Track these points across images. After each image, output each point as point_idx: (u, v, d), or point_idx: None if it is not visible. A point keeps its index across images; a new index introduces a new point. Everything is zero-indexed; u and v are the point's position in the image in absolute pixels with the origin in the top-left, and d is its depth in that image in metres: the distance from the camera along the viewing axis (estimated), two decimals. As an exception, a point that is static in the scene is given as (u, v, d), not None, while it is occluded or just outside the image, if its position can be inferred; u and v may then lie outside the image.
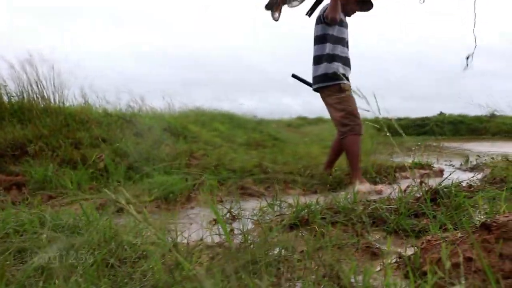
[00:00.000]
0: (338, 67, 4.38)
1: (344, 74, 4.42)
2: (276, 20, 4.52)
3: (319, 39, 4.48)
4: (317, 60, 4.48)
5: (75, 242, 1.53)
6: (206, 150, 5.97)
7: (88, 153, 4.76)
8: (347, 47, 4.58)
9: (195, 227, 2.57)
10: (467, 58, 3.13)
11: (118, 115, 6.49)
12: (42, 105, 5.84)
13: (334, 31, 4.44)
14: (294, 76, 4.86)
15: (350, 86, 4.46)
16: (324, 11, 4.38)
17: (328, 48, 4.41)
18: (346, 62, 4.51)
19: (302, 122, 18.56)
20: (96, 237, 1.77)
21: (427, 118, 27.10)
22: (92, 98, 6.91)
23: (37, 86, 5.87)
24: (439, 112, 27.86)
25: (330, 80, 4.37)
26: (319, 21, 4.48)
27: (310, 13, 4.54)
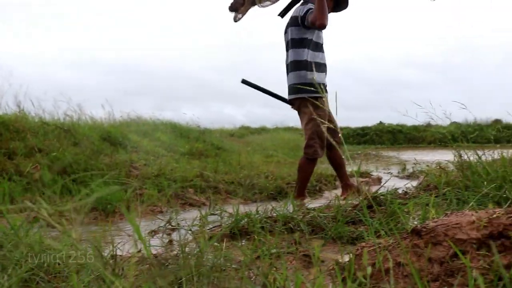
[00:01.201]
0: (318, 77, 4.19)
1: (323, 84, 4.24)
2: (236, 21, 4.36)
3: (296, 43, 4.20)
4: (294, 66, 4.20)
5: None
6: (147, 160, 5.87)
7: (23, 164, 4.57)
8: (323, 51, 4.35)
9: (133, 238, 2.51)
10: None
11: (56, 124, 6.27)
12: (-27, 114, 5.56)
13: (313, 35, 4.20)
14: (244, 82, 4.51)
15: (326, 97, 4.26)
16: (304, 13, 4.08)
17: (307, 54, 4.17)
18: (324, 69, 4.32)
19: (245, 132, 18.67)
20: (25, 252, 1.69)
21: (367, 128, 27.85)
22: (28, 106, 6.64)
23: (-32, 94, 5.58)
24: (378, 122, 28.71)
25: (308, 92, 4.05)
26: (295, 23, 4.20)
27: (283, 14, 4.36)
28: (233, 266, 1.76)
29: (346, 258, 1.87)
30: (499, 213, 1.48)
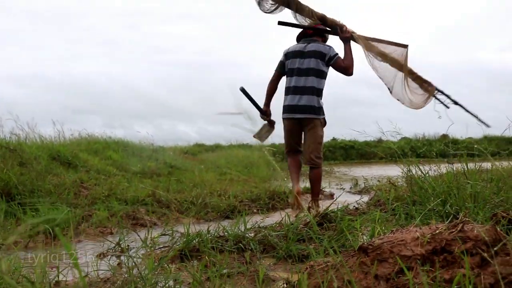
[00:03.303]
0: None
1: None
2: (265, 11, 4.16)
3: (318, 73, 4.78)
4: (313, 91, 4.78)
5: None
6: (97, 180, 5.73)
7: (-37, 186, 4.37)
8: None
9: (81, 261, 2.45)
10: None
11: (1, 143, 6.05)
12: None
13: (327, 71, 4.87)
14: (243, 90, 4.95)
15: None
16: (334, 55, 4.73)
17: (323, 85, 4.85)
18: None
19: (199, 149, 18.53)
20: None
21: (320, 144, 28.11)
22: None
23: None
24: (331, 138, 29.11)
25: (323, 114, 4.90)
26: (321, 57, 4.76)
27: (282, 24, 4.46)
28: (182, 288, 1.73)
29: (296, 277, 1.87)
30: (441, 228, 1.52)
